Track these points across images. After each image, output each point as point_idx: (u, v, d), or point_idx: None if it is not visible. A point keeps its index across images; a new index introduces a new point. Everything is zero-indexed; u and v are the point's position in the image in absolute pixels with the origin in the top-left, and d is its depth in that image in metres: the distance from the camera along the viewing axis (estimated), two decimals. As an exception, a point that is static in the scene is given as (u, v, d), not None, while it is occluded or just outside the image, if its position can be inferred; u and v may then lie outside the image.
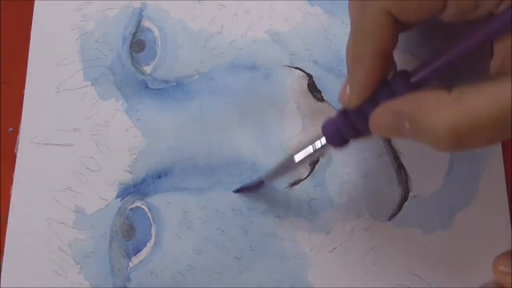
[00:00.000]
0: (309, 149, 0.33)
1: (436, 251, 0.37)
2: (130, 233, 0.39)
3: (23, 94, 0.42)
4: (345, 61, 0.31)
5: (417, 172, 0.39)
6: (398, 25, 0.29)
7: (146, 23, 0.43)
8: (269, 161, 0.39)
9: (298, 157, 0.34)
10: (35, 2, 0.44)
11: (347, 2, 0.41)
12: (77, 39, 0.43)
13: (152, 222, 0.39)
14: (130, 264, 0.38)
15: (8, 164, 0.41)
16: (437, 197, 0.38)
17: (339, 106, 0.39)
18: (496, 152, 0.39)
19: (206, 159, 0.39)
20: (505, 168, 0.39)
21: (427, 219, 0.38)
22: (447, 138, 0.25)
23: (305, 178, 0.39)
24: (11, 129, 0.42)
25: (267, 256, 0.38)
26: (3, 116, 0.43)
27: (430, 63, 0.28)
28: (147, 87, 0.41)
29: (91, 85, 0.42)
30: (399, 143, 0.39)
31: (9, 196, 0.40)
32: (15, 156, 0.41)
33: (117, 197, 0.40)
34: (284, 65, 0.41)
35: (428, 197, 0.38)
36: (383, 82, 0.29)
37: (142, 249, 0.39)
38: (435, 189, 0.38)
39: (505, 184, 0.38)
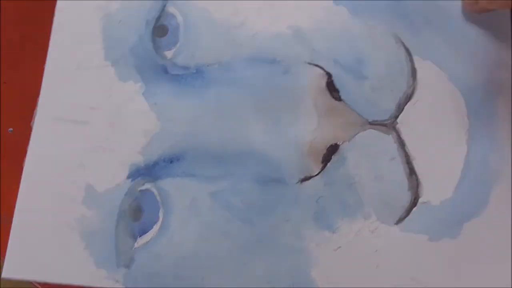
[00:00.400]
0: None
1: (440, 259, 0.37)
2: (137, 214, 0.39)
3: (23, 94, 0.42)
4: None
5: (428, 178, 0.39)
6: None
7: (170, 9, 0.43)
8: (281, 155, 0.39)
9: None
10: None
11: (372, 3, 0.41)
12: (100, 18, 0.43)
13: (160, 205, 0.39)
14: (136, 245, 0.39)
15: (9, 164, 0.42)
16: (447, 206, 0.38)
17: (355, 107, 0.39)
18: (507, 164, 0.39)
19: (219, 149, 0.40)
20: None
21: (434, 226, 0.38)
22: None
23: (316, 175, 0.39)
24: (11, 129, 0.43)
25: (271, 250, 0.38)
26: (3, 116, 0.43)
27: None
28: (166, 71, 0.42)
29: (111, 65, 0.42)
30: (413, 148, 0.39)
31: (9, 196, 0.40)
32: (31, 128, 0.41)
33: (128, 178, 0.40)
34: (305, 61, 0.41)
35: (438, 205, 0.38)
36: None
37: (149, 231, 0.39)
38: (445, 197, 0.38)
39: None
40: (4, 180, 0.42)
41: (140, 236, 0.39)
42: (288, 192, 0.39)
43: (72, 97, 0.42)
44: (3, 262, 0.39)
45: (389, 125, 0.39)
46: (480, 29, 0.41)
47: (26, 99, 0.42)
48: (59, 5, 0.44)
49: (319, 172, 0.39)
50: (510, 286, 0.37)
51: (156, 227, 0.39)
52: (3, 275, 0.38)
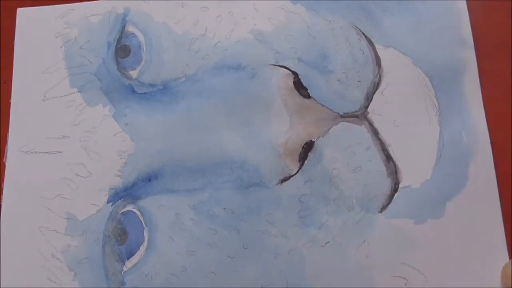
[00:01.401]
0: None
1: (428, 241, 0.38)
2: (122, 237, 0.39)
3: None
4: None
5: (406, 163, 0.39)
6: None
7: (130, 28, 0.43)
8: (258, 159, 0.39)
9: None
10: (17, 11, 0.44)
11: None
12: (61, 47, 0.43)
13: (144, 225, 0.39)
14: (124, 268, 0.38)
15: None
16: (427, 187, 0.38)
17: (325, 102, 0.39)
18: (484, 140, 0.39)
19: (196, 160, 0.40)
20: (494, 156, 0.39)
21: (418, 209, 0.38)
22: None
23: (294, 174, 0.39)
24: None
25: (260, 254, 0.38)
26: (3, 116, 0.43)
27: None
28: (134, 91, 0.41)
29: (78, 91, 0.42)
30: (387, 135, 0.39)
31: None
32: (4, 165, 0.41)
33: (108, 202, 0.40)
34: (269, 64, 0.41)
35: (418, 188, 0.38)
36: None
37: (136, 252, 0.39)
38: (425, 179, 0.39)
39: (494, 171, 0.39)
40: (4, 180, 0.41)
41: (128, 258, 0.39)
42: (269, 195, 0.39)
43: (42, 128, 0.41)
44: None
45: (360, 115, 0.40)
46: (437, 10, 0.42)
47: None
48: (18, 35, 0.43)
49: (297, 171, 0.39)
50: (506, 256, 0.37)
51: (142, 248, 0.39)
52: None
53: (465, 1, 0.42)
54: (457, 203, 0.38)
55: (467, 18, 0.41)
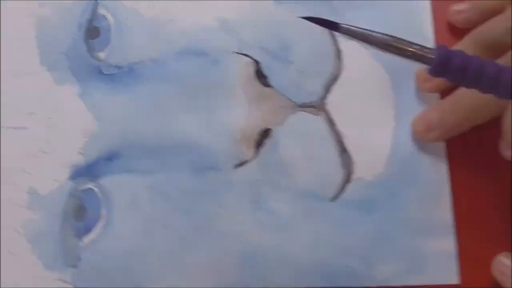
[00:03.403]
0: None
1: (377, 232, 0.38)
2: (81, 214, 0.40)
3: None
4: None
5: (360, 155, 0.40)
6: None
7: (101, 11, 0.44)
8: (215, 143, 0.40)
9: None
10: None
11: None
12: (34, 24, 0.44)
13: (102, 203, 0.40)
14: (81, 244, 0.39)
15: None
16: (380, 180, 0.39)
17: (284, 91, 0.40)
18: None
19: (156, 142, 0.40)
20: (447, 151, 0.40)
21: (369, 201, 0.39)
22: None
23: (250, 161, 0.40)
24: None
25: (210, 236, 0.39)
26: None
27: None
28: (101, 72, 0.42)
29: (47, 70, 0.43)
30: (343, 126, 0.40)
31: None
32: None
33: (69, 179, 0.41)
34: (233, 52, 0.42)
35: (371, 180, 0.39)
36: None
37: (92, 229, 0.40)
38: (378, 172, 0.39)
39: (447, 167, 0.39)
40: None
41: (85, 235, 0.40)
42: (222, 179, 0.39)
43: (10, 104, 0.42)
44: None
45: (318, 106, 0.40)
46: (400, 7, 0.42)
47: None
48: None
49: (252, 157, 0.40)
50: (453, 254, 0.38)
51: (99, 225, 0.40)
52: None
53: (429, 1, 0.42)
54: (408, 198, 0.39)
55: (430, 17, 0.42)
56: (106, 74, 0.42)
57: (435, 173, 0.39)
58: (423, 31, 0.42)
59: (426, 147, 0.40)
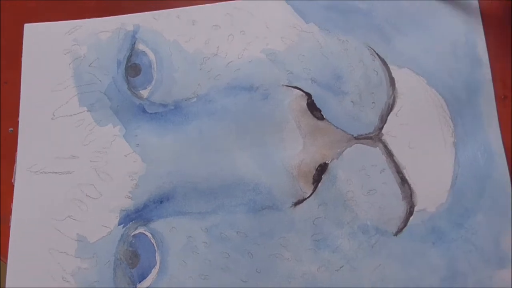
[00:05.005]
0: None
1: (444, 265, 0.37)
2: (134, 260, 0.38)
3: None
4: None
5: (421, 186, 0.38)
6: None
7: (140, 46, 0.42)
8: (271, 181, 0.39)
9: None
10: (25, 26, 0.44)
11: (341, 18, 0.41)
12: (70, 64, 0.42)
13: (156, 248, 0.38)
14: (136, 292, 0.38)
15: (8, 163, 0.41)
16: (443, 210, 0.38)
17: (339, 124, 0.39)
18: (500, 162, 0.39)
19: (207, 182, 0.39)
20: (511, 178, 0.39)
21: (434, 232, 0.38)
22: None
23: (308, 197, 0.38)
24: (11, 129, 0.42)
25: (273, 278, 0.37)
26: (3, 116, 0.42)
27: None
28: (144, 111, 0.41)
29: (87, 110, 0.41)
30: (402, 157, 0.39)
31: (9, 196, 0.40)
32: (13, 185, 0.40)
33: (119, 224, 0.39)
34: (282, 84, 0.40)
35: (434, 211, 0.38)
36: None
37: (147, 276, 0.38)
38: (440, 203, 0.38)
39: (510, 192, 0.38)
40: (4, 180, 0.41)
41: (139, 282, 0.38)
42: (282, 218, 0.38)
43: (51, 148, 0.41)
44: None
45: (375, 137, 0.39)
46: (451, 28, 0.41)
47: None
48: (25, 52, 0.43)
49: (311, 194, 0.38)
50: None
51: (154, 271, 0.38)
52: None
53: (480, 19, 0.41)
54: (473, 227, 0.38)
55: (483, 36, 0.41)
56: (151, 113, 0.41)
57: (500, 200, 0.38)
58: (477, 52, 0.40)
59: (489, 173, 0.38)
